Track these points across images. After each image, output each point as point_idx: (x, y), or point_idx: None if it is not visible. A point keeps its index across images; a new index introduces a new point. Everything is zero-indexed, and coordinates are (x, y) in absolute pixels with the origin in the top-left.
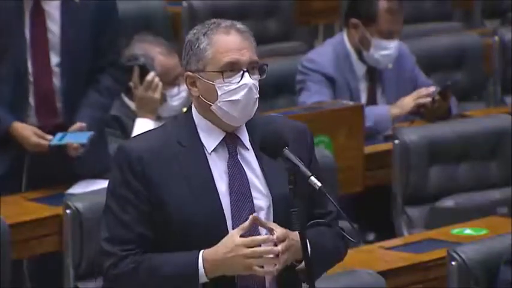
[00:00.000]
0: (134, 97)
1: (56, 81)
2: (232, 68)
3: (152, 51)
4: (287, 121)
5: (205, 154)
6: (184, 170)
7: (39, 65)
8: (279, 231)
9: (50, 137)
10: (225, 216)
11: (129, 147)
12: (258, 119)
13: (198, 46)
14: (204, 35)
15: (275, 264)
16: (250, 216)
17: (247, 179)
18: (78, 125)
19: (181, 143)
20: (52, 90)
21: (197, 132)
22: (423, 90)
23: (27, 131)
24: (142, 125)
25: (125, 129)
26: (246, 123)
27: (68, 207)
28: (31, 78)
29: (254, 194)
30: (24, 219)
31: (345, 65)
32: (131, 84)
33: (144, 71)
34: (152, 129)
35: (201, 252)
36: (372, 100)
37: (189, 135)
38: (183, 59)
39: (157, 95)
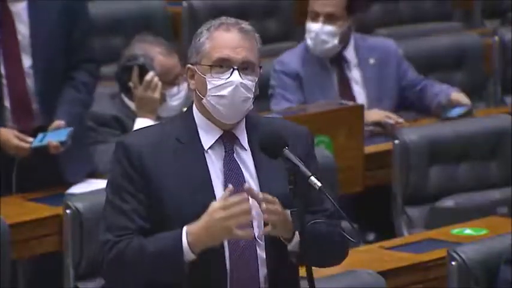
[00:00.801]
0: (134, 97)
1: (30, 83)
2: (223, 64)
3: (152, 51)
4: (287, 123)
5: (202, 151)
6: (182, 166)
7: (12, 68)
8: (270, 197)
9: (30, 139)
10: None
11: (127, 142)
12: (259, 120)
13: (199, 40)
14: (207, 29)
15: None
16: (229, 186)
17: (244, 179)
18: (56, 123)
19: (179, 140)
20: (26, 92)
21: (197, 129)
22: (393, 119)
23: (8, 134)
24: (143, 125)
25: (125, 129)
26: (246, 124)
27: (68, 207)
28: (4, 82)
29: None
30: (24, 219)
31: (315, 59)
32: (131, 84)
33: (143, 71)
34: (151, 125)
35: (185, 227)
36: (345, 93)
37: (188, 132)
38: (188, 52)
39: (156, 95)
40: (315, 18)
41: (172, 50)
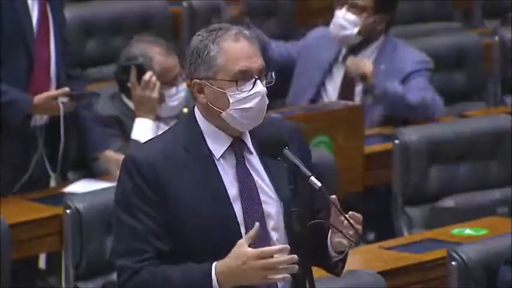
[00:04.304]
0: (133, 97)
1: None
2: (244, 76)
3: (151, 51)
4: (281, 121)
5: (213, 160)
6: (195, 177)
7: (43, 59)
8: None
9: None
10: (238, 223)
11: (138, 156)
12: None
13: (207, 54)
14: (213, 42)
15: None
16: (256, 224)
17: (255, 185)
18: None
19: (188, 150)
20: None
21: (203, 137)
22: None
23: (45, 95)
24: (142, 125)
25: (125, 129)
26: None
27: (68, 207)
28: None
29: (263, 198)
30: (24, 219)
31: (333, 44)
32: (129, 84)
33: (141, 71)
34: (156, 136)
35: (214, 264)
36: (346, 86)
37: (195, 141)
38: (189, 65)
39: (154, 95)
40: (342, 5)
41: (172, 50)
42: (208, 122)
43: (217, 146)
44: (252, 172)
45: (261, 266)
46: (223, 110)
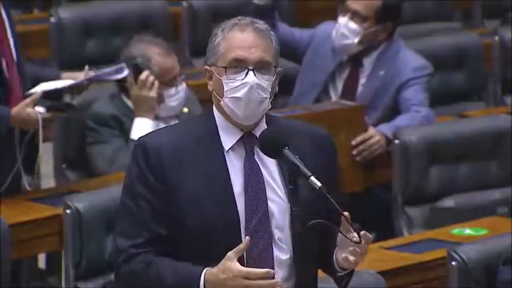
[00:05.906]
0: (131, 97)
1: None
2: (238, 65)
3: (150, 51)
4: (309, 127)
5: (223, 152)
6: (202, 167)
7: (8, 59)
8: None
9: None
10: (239, 217)
11: (146, 141)
12: (280, 122)
13: (214, 40)
14: (222, 30)
15: None
16: (246, 238)
17: (263, 179)
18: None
19: (200, 141)
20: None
21: (217, 129)
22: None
23: (21, 104)
24: (141, 125)
25: (124, 129)
26: (267, 125)
27: (68, 207)
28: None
29: (270, 195)
30: (24, 219)
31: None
32: (127, 84)
33: (138, 70)
34: (172, 125)
35: (205, 270)
36: (346, 92)
37: (208, 133)
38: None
39: (152, 94)
40: (345, 13)
41: (171, 50)
42: (221, 114)
43: (228, 138)
44: (262, 168)
45: (245, 286)
46: (221, 98)
